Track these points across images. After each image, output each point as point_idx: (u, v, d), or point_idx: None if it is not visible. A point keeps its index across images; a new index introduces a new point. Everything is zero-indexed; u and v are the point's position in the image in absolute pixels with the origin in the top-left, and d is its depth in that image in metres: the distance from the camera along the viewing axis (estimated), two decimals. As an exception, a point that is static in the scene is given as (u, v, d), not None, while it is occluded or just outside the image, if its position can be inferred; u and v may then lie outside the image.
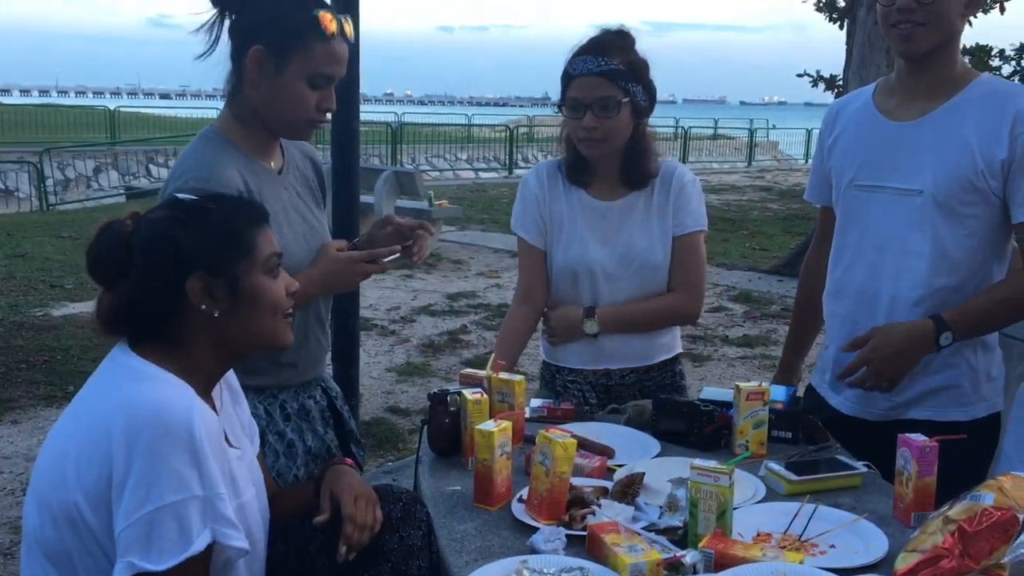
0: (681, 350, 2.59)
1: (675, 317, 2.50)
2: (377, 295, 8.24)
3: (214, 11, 1.93)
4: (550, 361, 2.54)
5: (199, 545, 1.41)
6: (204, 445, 1.42)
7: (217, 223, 1.57)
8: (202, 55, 1.93)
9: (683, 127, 28.34)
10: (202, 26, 1.92)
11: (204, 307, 1.53)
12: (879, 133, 2.17)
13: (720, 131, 32.84)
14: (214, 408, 1.62)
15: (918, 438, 1.77)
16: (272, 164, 2.06)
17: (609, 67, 2.26)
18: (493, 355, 2.29)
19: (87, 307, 7.08)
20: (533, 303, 2.47)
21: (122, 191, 18.09)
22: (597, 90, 2.26)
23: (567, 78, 2.31)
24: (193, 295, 1.53)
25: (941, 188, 2.06)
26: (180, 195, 1.60)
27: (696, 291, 2.45)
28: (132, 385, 1.48)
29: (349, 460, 1.86)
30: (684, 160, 26.05)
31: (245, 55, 1.91)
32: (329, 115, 2.01)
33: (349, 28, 1.94)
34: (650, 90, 2.35)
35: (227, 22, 1.94)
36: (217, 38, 1.94)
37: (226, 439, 1.59)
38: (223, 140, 1.98)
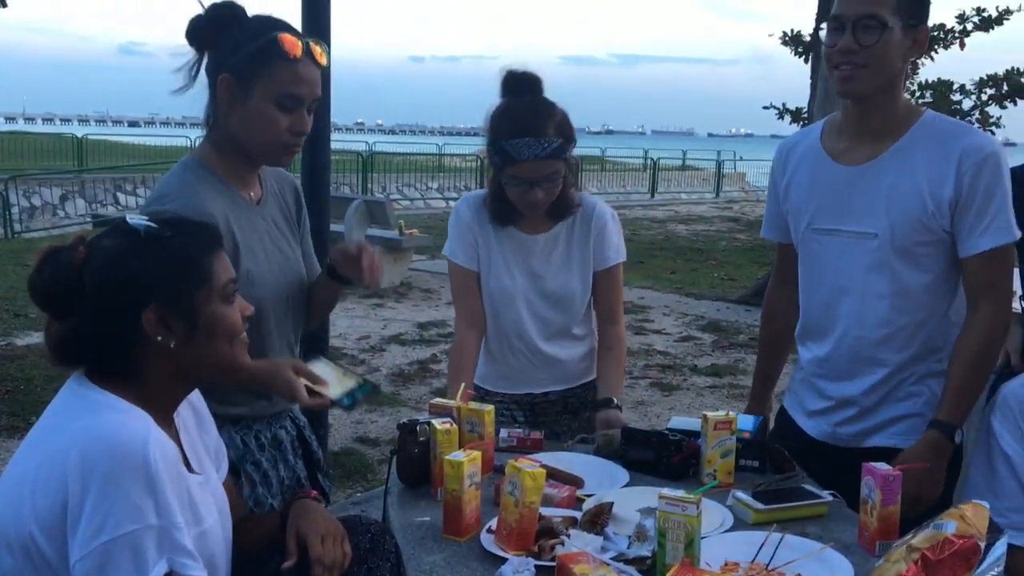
0: None
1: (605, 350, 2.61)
2: (347, 324, 8.21)
3: (194, 53, 1.95)
4: (479, 384, 2.62)
5: (155, 575, 1.39)
6: (160, 474, 1.41)
7: (173, 252, 1.54)
8: (179, 90, 1.96)
9: (652, 158, 28.60)
10: (182, 67, 1.95)
11: (160, 338, 1.52)
12: (830, 177, 2.20)
13: (688, 162, 33.16)
14: (176, 433, 1.61)
15: (882, 467, 1.79)
16: (252, 194, 2.07)
17: (552, 147, 2.33)
18: (463, 385, 2.30)
19: (52, 336, 6.98)
20: (479, 327, 2.56)
21: (89, 219, 17.90)
22: (544, 169, 2.35)
23: (508, 158, 2.34)
24: (149, 326, 1.51)
25: (896, 231, 2.09)
26: (133, 220, 1.55)
27: (619, 314, 2.60)
28: (88, 416, 1.47)
29: (314, 492, 1.86)
30: (653, 191, 26.29)
31: (215, 85, 1.93)
32: (303, 138, 2.00)
33: (320, 51, 1.96)
34: (573, 140, 2.42)
35: (205, 60, 1.96)
36: (195, 76, 1.96)
37: (187, 465, 1.58)
38: (203, 168, 1.98)
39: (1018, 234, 2.07)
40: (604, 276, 2.55)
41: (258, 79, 1.91)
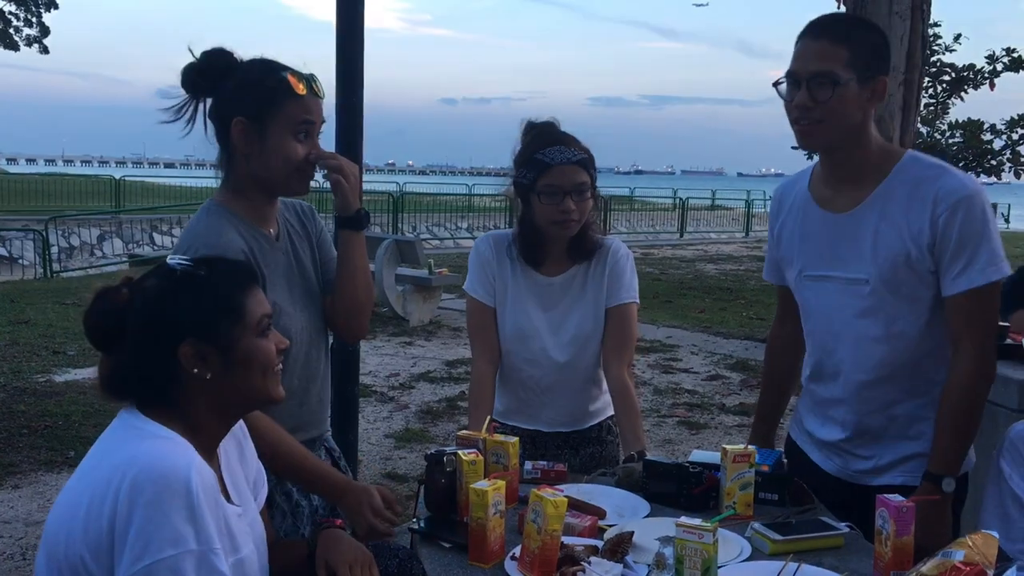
0: (612, 414, 2.71)
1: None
2: (377, 361, 8.31)
3: (185, 95, 2.07)
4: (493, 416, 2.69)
5: None
6: (201, 501, 1.49)
7: (208, 290, 1.65)
8: (184, 134, 2.09)
9: (681, 198, 28.68)
10: (171, 107, 2.07)
11: (196, 371, 1.61)
12: (818, 224, 2.23)
13: (718, 202, 33.23)
14: (218, 465, 1.69)
15: (895, 499, 1.83)
16: (271, 231, 2.17)
17: (580, 157, 2.48)
18: (488, 417, 2.37)
19: (89, 373, 7.14)
20: (496, 362, 2.64)
21: (125, 259, 18.26)
22: (575, 176, 2.47)
23: (542, 166, 2.46)
24: (185, 360, 1.60)
25: (885, 276, 2.12)
26: (171, 262, 1.67)
27: (628, 355, 2.63)
28: (135, 443, 1.56)
29: (340, 521, 1.92)
30: (682, 230, 26.33)
31: (229, 132, 2.04)
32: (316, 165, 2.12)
33: (318, 86, 2.09)
34: (595, 166, 2.55)
35: (201, 106, 2.08)
36: (192, 119, 2.08)
37: (227, 496, 1.66)
38: (224, 211, 2.09)
39: (997, 276, 2.05)
40: (614, 314, 2.61)
41: (272, 118, 2.03)
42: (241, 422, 1.80)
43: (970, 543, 1.56)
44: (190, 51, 2.07)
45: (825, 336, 2.27)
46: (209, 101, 2.09)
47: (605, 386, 2.66)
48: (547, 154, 2.47)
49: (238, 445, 1.80)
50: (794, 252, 2.30)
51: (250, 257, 2.04)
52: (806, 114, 2.08)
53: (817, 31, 2.08)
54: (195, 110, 2.09)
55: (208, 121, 2.09)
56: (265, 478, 1.88)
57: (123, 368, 1.63)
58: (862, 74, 2.05)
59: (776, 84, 2.12)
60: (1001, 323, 3.73)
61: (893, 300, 2.13)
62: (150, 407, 1.62)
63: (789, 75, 2.10)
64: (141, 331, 1.61)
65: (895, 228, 2.10)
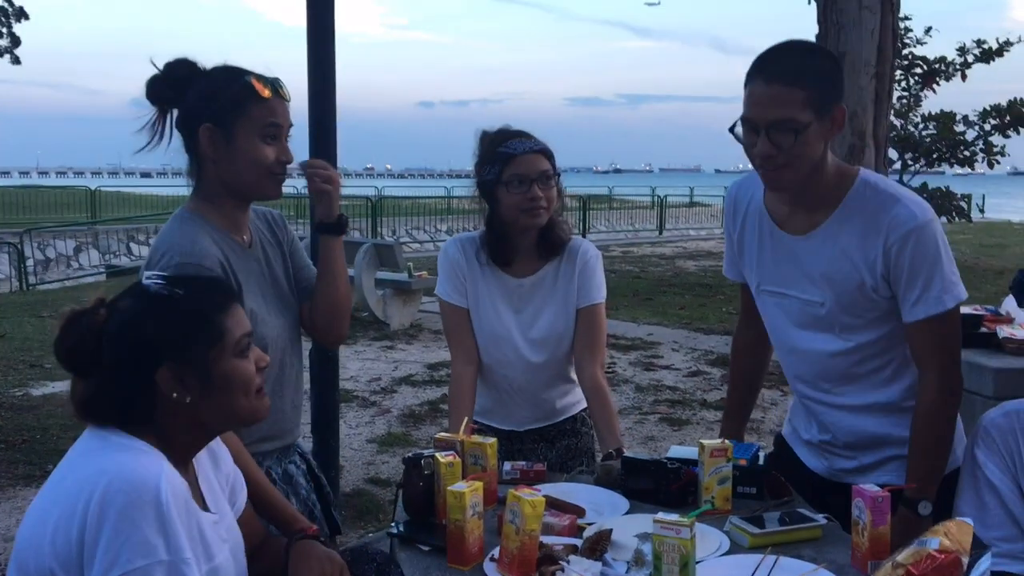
0: (584, 407, 2.73)
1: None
2: (358, 366, 8.28)
3: (154, 109, 2.07)
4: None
5: None
6: (171, 510, 1.47)
7: (185, 311, 1.61)
8: (145, 147, 2.08)
9: (659, 195, 28.77)
10: (145, 126, 2.07)
11: (175, 395, 1.58)
12: (774, 243, 2.21)
13: (696, 198, 33.34)
14: (194, 475, 1.67)
15: (871, 488, 1.84)
16: (244, 238, 2.16)
17: (542, 146, 2.54)
18: (466, 419, 2.37)
19: (67, 386, 7.03)
20: (475, 363, 2.65)
21: (103, 270, 18.13)
22: (538, 164, 2.51)
23: (507, 157, 2.49)
24: (164, 384, 1.57)
25: (841, 301, 2.11)
26: (148, 282, 1.63)
27: (601, 354, 2.66)
28: (104, 455, 1.53)
29: (314, 528, 1.90)
30: (661, 228, 26.41)
31: (197, 139, 2.04)
32: (287, 167, 2.12)
33: (284, 89, 2.09)
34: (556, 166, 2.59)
35: (169, 118, 2.08)
36: (161, 132, 2.08)
37: (203, 504, 1.65)
38: (197, 218, 2.08)
39: (952, 303, 2.04)
40: (585, 314, 2.63)
41: (238, 122, 2.03)
42: None
43: (944, 531, 1.57)
44: (152, 63, 2.06)
45: (785, 349, 2.28)
46: (176, 112, 2.08)
47: (575, 378, 2.68)
48: (510, 146, 2.51)
49: (211, 452, 1.78)
50: (753, 265, 2.29)
51: (225, 265, 2.02)
52: (770, 162, 2.00)
53: (768, 74, 1.97)
54: (164, 122, 2.08)
55: (176, 131, 2.08)
56: (244, 483, 1.86)
57: (100, 392, 1.59)
58: (821, 111, 1.98)
59: (732, 129, 2.05)
60: (975, 312, 3.77)
61: (849, 322, 2.14)
62: (124, 424, 1.60)
63: (745, 121, 2.01)
64: (118, 355, 1.58)
65: (848, 258, 2.08)
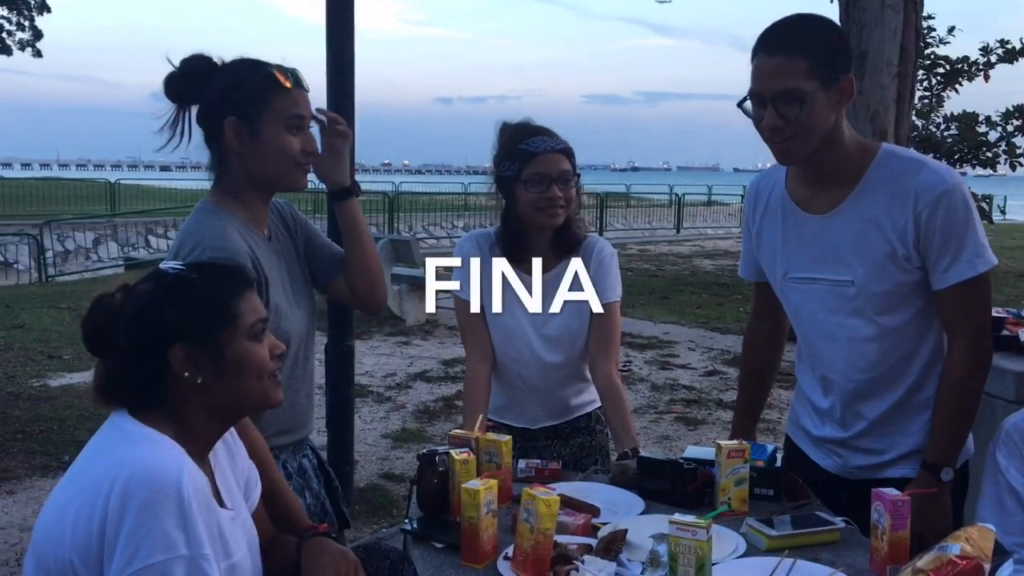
0: (598, 405, 2.71)
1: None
2: (373, 362, 8.29)
3: (174, 106, 2.06)
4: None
5: None
6: (192, 506, 1.47)
7: (200, 294, 1.63)
8: (166, 146, 2.08)
9: (677, 194, 28.69)
10: (166, 124, 2.06)
11: (187, 375, 1.59)
12: (799, 227, 2.19)
13: (714, 197, 33.24)
14: (211, 470, 1.67)
15: (891, 492, 1.82)
16: (265, 232, 2.15)
17: (563, 145, 2.50)
18: (481, 416, 2.35)
19: (84, 377, 7.12)
20: (490, 360, 2.63)
21: (121, 262, 18.23)
22: (559, 164, 2.48)
23: (527, 155, 2.47)
24: (176, 364, 1.59)
25: (871, 277, 2.09)
26: (165, 266, 1.66)
27: (615, 353, 2.64)
28: (126, 447, 1.54)
29: (325, 526, 1.90)
30: (679, 226, 26.33)
31: (221, 134, 2.02)
32: (312, 157, 2.11)
33: (303, 79, 2.08)
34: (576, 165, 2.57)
35: (189, 115, 2.07)
36: (182, 130, 2.07)
37: (220, 500, 1.64)
38: (222, 212, 2.07)
39: (984, 268, 2.03)
40: (600, 313, 2.60)
41: (263, 114, 2.02)
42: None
43: (966, 537, 1.55)
44: (168, 61, 2.05)
45: (815, 338, 2.25)
46: (195, 108, 2.07)
47: (589, 377, 2.66)
48: (531, 144, 2.48)
49: (227, 447, 1.78)
50: (776, 255, 2.27)
51: (254, 259, 2.02)
52: (778, 134, 2.03)
53: (771, 47, 2.00)
54: (183, 119, 2.07)
55: (197, 126, 2.08)
56: (258, 477, 1.85)
57: (117, 372, 1.62)
58: (826, 80, 1.98)
59: (740, 104, 2.06)
60: (996, 315, 3.72)
61: (881, 299, 2.11)
62: (141, 411, 1.61)
63: (752, 95, 2.04)
64: (132, 334, 1.60)
65: (878, 227, 2.07)
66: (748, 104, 2.06)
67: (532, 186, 2.48)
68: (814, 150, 2.06)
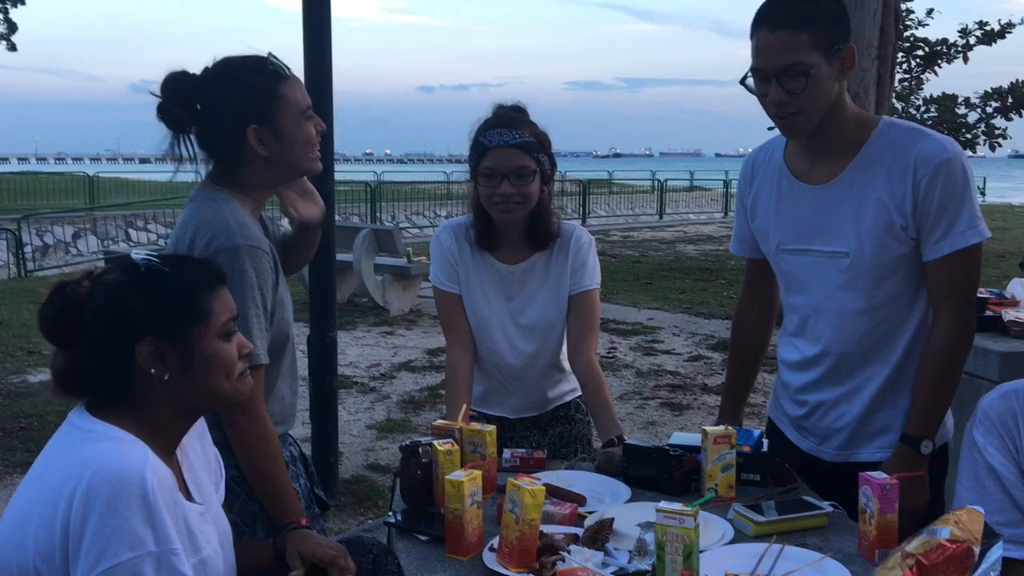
0: (578, 394, 2.70)
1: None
2: (357, 352, 8.25)
3: (170, 132, 1.99)
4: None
5: None
6: (158, 501, 1.44)
7: (172, 288, 1.58)
8: (177, 171, 2.02)
9: (659, 179, 28.69)
10: (167, 154, 1.99)
11: (153, 371, 1.55)
12: (795, 197, 2.19)
13: (696, 182, 33.28)
14: (178, 464, 1.63)
15: (879, 476, 1.81)
16: (264, 225, 2.13)
17: (522, 139, 2.43)
18: (464, 406, 2.33)
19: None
20: (471, 349, 2.60)
21: (101, 256, 18.06)
22: (513, 160, 2.42)
23: (482, 149, 2.44)
24: (142, 359, 1.54)
25: (867, 248, 2.09)
26: (136, 257, 1.59)
27: (595, 340, 2.60)
28: (86, 446, 1.50)
29: (305, 521, 1.88)
30: (661, 212, 26.35)
31: (243, 142, 1.96)
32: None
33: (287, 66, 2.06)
34: (552, 159, 2.52)
35: (188, 135, 2.00)
36: (190, 155, 2.01)
37: (188, 495, 1.61)
38: (232, 199, 2.01)
39: (977, 239, 2.04)
40: (579, 300, 2.57)
41: (278, 113, 1.99)
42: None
43: (955, 520, 1.53)
44: (152, 94, 1.97)
45: (805, 309, 2.23)
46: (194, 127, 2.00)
47: (567, 367, 2.63)
48: (487, 137, 2.44)
49: (199, 437, 1.74)
50: (770, 225, 2.26)
51: (272, 250, 2.01)
52: (784, 109, 2.03)
53: (772, 22, 2.00)
54: (183, 141, 2.00)
55: (206, 142, 2.02)
56: (222, 466, 1.82)
57: (79, 364, 1.56)
58: (828, 51, 1.99)
59: (743, 80, 2.06)
60: (979, 296, 3.72)
61: (873, 273, 2.11)
62: (101, 406, 1.56)
63: (756, 71, 2.04)
64: (99, 326, 1.54)
65: (876, 200, 2.07)
66: (751, 80, 2.06)
67: (484, 180, 2.46)
68: (819, 124, 2.06)
